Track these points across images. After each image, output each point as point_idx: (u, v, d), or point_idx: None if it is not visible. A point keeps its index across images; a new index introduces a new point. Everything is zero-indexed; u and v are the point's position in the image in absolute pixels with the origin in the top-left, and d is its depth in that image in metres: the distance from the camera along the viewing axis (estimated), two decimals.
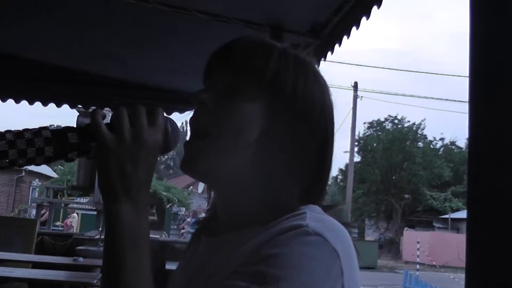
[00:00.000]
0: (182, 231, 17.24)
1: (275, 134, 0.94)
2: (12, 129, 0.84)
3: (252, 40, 1.02)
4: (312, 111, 0.97)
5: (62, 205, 17.23)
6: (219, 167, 0.95)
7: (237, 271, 0.85)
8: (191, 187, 44.20)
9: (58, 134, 0.86)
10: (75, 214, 15.34)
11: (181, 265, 1.11)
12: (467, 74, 1.48)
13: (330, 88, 1.03)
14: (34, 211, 18.52)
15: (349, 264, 0.86)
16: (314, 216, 0.89)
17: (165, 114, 0.95)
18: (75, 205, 17.31)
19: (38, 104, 5.45)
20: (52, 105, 5.48)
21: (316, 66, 1.04)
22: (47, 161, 0.85)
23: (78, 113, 10.87)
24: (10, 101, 5.42)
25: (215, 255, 0.95)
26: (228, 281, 0.84)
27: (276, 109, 0.95)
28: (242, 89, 0.96)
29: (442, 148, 46.37)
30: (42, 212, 14.72)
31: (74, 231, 15.05)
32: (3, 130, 0.85)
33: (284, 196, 0.93)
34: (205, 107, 0.97)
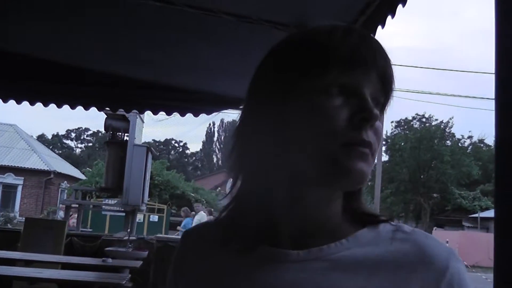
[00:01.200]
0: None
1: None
2: None
3: (375, 39, 0.91)
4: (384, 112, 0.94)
5: (91, 206, 17.42)
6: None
7: None
8: (219, 188, 44.40)
9: None
10: (75, 215, 15.53)
11: (226, 280, 0.91)
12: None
13: None
14: (62, 213, 18.77)
15: None
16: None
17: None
18: (103, 207, 17.50)
19: (66, 107, 5.51)
20: (80, 108, 5.54)
21: None
22: None
23: (106, 116, 11.02)
24: (39, 104, 5.49)
25: (322, 267, 0.84)
26: None
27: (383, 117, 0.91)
28: (384, 98, 0.90)
29: (470, 146, 45.88)
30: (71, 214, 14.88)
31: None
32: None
33: (360, 201, 0.93)
34: (373, 124, 0.86)
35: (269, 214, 0.90)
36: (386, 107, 0.91)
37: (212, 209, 18.05)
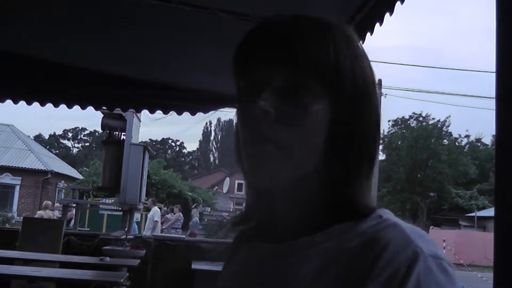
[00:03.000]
0: (163, 227, 16.89)
1: (342, 131, 0.85)
2: None
3: (306, 22, 0.87)
4: (370, 96, 0.88)
5: (88, 206, 17.41)
6: (291, 176, 0.86)
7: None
8: (216, 187, 44.41)
9: None
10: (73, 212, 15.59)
11: (233, 273, 1.00)
12: (493, 70, 1.46)
13: None
14: (57, 212, 18.74)
15: None
16: (413, 229, 0.82)
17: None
18: (100, 206, 17.50)
19: (63, 106, 5.50)
20: (76, 107, 5.53)
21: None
22: None
23: (102, 115, 11.00)
24: (36, 104, 5.48)
25: (292, 261, 0.85)
26: None
27: (341, 104, 0.84)
28: (305, 88, 0.83)
29: (467, 146, 45.95)
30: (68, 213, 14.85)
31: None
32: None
33: (357, 194, 0.86)
34: (267, 116, 0.82)
35: (260, 212, 0.97)
36: (315, 91, 0.84)
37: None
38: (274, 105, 0.82)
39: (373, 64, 0.91)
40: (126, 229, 10.56)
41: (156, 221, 15.93)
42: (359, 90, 0.86)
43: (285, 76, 0.83)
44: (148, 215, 16.74)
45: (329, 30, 0.86)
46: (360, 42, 0.91)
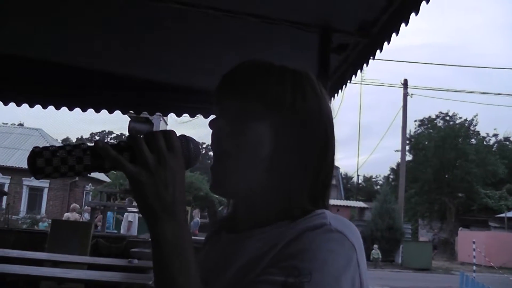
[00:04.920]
0: None
1: (283, 146, 1.08)
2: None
3: (253, 64, 1.15)
4: (311, 121, 1.11)
5: (115, 208, 17.54)
6: (241, 182, 1.10)
7: (270, 266, 0.97)
8: None
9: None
10: (100, 216, 15.62)
11: (203, 258, 1.22)
12: None
13: (327, 97, 1.17)
14: (87, 215, 18.93)
15: (362, 257, 1.01)
16: (332, 215, 1.04)
17: (182, 134, 1.06)
18: (128, 209, 17.59)
19: (90, 110, 5.57)
20: (104, 111, 5.59)
21: (314, 78, 1.17)
22: (87, 170, 0.97)
23: (129, 119, 11.09)
24: (64, 109, 5.55)
25: (240, 249, 1.08)
26: (264, 276, 0.96)
27: (281, 124, 1.09)
28: (250, 110, 1.09)
29: (495, 145, 45.26)
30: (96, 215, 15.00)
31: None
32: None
33: (296, 198, 1.07)
34: (222, 131, 1.11)
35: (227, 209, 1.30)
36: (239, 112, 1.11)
37: None
38: (228, 124, 1.10)
39: (327, 104, 1.15)
40: None
41: (130, 221, 15.68)
42: (298, 115, 1.09)
43: (237, 103, 1.10)
44: (124, 215, 16.63)
45: (279, 72, 1.13)
46: (317, 85, 1.16)
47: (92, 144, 0.97)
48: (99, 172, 1.01)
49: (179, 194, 0.98)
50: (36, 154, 0.94)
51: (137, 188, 0.96)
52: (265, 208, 1.10)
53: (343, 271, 0.95)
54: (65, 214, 16.64)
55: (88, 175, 1.01)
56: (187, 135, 1.06)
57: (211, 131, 1.14)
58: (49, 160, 0.93)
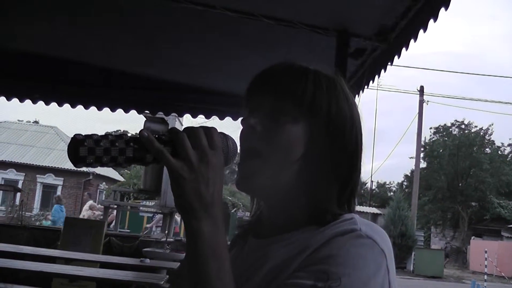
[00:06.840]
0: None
1: (315, 150, 1.08)
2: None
3: (290, 66, 1.14)
4: (344, 127, 1.10)
5: (129, 207, 17.60)
6: (270, 183, 1.09)
7: (299, 270, 0.97)
8: None
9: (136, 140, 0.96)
10: (113, 214, 15.68)
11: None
12: None
13: (358, 104, 1.17)
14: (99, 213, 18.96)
15: (391, 263, 1.00)
16: (363, 221, 1.04)
17: (221, 132, 1.04)
18: (141, 208, 17.66)
19: (106, 109, 5.60)
20: (120, 111, 5.63)
21: (345, 84, 1.16)
22: (128, 162, 0.94)
23: (145, 119, 11.15)
24: (80, 107, 5.59)
25: (268, 253, 1.08)
26: (293, 280, 0.96)
27: (315, 128, 1.08)
28: (285, 112, 1.08)
29: (510, 154, 44.83)
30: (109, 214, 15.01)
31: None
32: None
33: (325, 204, 1.07)
34: (253, 130, 1.09)
35: (254, 213, 1.24)
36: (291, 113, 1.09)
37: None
38: (260, 123, 1.09)
39: (360, 111, 1.16)
40: (166, 232, 10.66)
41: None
42: (332, 121, 1.09)
43: (271, 103, 1.10)
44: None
45: (314, 75, 1.11)
46: (348, 91, 1.15)
47: (133, 135, 0.96)
48: (139, 164, 0.99)
49: (218, 194, 0.96)
50: (78, 142, 0.90)
51: (178, 184, 0.94)
52: (293, 212, 1.10)
53: (373, 277, 0.95)
54: (85, 212, 16.64)
55: (126, 168, 0.99)
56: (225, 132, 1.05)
57: (241, 128, 1.12)
58: (92, 150, 0.90)
